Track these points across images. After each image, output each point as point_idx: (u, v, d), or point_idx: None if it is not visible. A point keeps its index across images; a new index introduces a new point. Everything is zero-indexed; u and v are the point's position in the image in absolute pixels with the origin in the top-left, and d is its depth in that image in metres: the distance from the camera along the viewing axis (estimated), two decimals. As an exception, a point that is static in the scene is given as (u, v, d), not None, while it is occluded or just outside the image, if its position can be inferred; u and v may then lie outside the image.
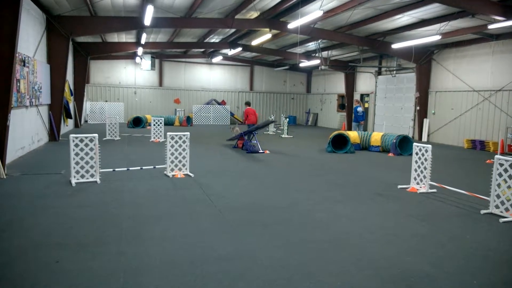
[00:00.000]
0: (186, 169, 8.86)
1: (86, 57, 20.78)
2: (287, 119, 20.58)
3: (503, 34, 14.76)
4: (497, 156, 6.29)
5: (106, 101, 25.95)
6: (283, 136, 19.32)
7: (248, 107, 15.57)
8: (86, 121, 24.42)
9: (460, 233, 5.40)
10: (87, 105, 24.38)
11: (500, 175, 6.18)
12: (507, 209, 6.11)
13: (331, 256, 4.49)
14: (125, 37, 20.73)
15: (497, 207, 6.27)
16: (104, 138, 15.40)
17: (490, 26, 12.29)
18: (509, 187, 6.05)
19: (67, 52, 14.39)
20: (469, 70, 16.77)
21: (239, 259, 4.31)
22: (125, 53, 24.89)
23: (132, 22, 15.11)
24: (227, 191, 7.50)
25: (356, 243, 4.93)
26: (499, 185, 6.21)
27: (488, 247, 4.90)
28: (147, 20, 13.25)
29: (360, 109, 17.09)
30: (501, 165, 6.16)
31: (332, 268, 4.15)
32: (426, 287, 3.79)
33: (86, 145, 7.70)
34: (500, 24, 11.71)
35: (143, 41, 19.31)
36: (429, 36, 14.38)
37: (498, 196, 6.23)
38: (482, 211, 6.36)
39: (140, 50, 21.76)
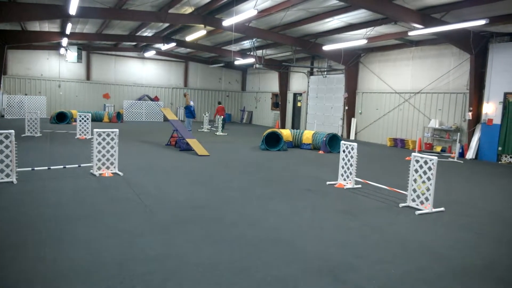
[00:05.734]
0: (114, 167, 8.49)
1: (3, 46, 19.01)
2: (222, 116, 20.55)
3: (422, 40, 16.01)
4: (413, 154, 6.83)
5: (26, 94, 24.03)
6: (217, 133, 19.27)
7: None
8: (2, 116, 22.55)
9: (381, 225, 5.78)
10: (3, 98, 22.58)
11: (416, 171, 6.72)
12: (422, 202, 6.67)
13: (262, 251, 4.57)
14: (48, 26, 19.28)
15: (413, 200, 6.81)
16: (23, 135, 14.33)
17: (410, 33, 13.26)
18: (424, 182, 6.59)
19: (-21, 40, 13.07)
20: (392, 73, 17.99)
21: (169, 259, 4.22)
22: (48, 43, 23.18)
23: (56, 10, 14.07)
24: (158, 190, 7.31)
25: (286, 238, 5.06)
26: (415, 180, 6.75)
27: (405, 237, 5.30)
28: (72, 9, 12.42)
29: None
30: (417, 161, 6.69)
31: (262, 263, 4.22)
32: (351, 276, 4.00)
33: (1, 142, 7.08)
34: (419, 31, 12.68)
35: (68, 31, 18.09)
36: (357, 40, 15.18)
37: (414, 191, 6.78)
38: (401, 205, 6.87)
39: (65, 41, 20.36)
